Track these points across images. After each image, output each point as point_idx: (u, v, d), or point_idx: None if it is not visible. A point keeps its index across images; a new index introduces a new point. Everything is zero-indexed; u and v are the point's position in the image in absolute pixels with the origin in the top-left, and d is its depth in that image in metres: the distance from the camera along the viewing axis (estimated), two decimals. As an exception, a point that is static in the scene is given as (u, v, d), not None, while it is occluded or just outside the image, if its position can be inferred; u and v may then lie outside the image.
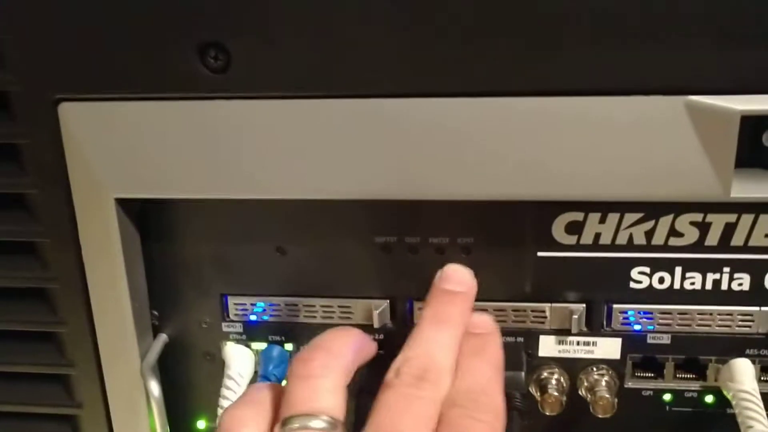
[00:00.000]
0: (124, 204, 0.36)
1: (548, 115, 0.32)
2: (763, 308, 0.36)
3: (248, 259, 0.38)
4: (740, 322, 0.36)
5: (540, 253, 0.36)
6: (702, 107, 0.30)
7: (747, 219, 0.34)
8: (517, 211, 0.35)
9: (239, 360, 0.39)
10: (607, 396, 0.37)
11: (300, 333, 0.39)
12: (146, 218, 0.38)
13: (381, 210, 0.36)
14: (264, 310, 0.39)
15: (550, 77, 0.31)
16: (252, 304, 0.39)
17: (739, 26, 0.30)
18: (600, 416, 0.37)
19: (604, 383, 0.37)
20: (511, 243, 0.36)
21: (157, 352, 0.39)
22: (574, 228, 0.35)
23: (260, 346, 0.39)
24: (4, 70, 0.34)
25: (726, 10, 0.29)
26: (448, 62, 0.31)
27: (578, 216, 0.35)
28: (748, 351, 0.37)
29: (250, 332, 0.40)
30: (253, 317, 0.39)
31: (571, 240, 0.35)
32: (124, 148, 0.34)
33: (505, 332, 0.37)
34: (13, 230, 0.37)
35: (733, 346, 0.37)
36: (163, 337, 0.40)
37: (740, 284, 0.36)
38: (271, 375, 0.38)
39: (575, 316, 0.36)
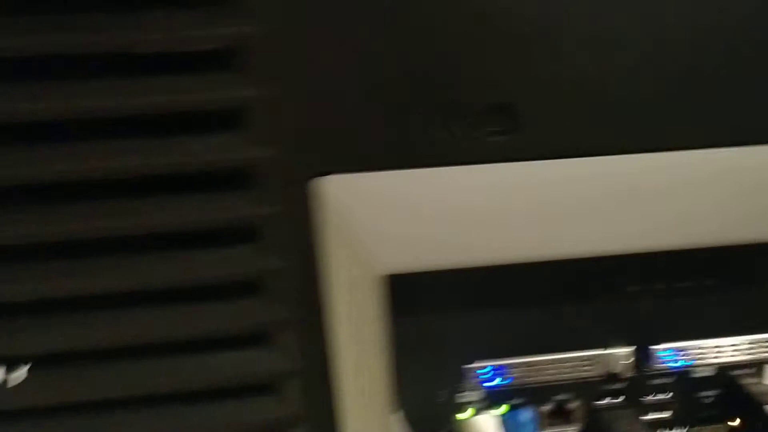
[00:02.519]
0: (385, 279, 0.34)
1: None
2: None
3: (489, 323, 0.37)
4: None
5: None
6: None
7: None
8: (757, 249, 0.37)
9: (492, 430, 0.37)
10: None
11: (541, 393, 0.38)
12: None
13: (627, 260, 0.36)
14: (505, 373, 0.38)
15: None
16: (494, 369, 0.38)
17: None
18: None
19: None
20: (755, 279, 0.37)
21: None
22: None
23: (499, 411, 0.38)
24: (264, 146, 0.31)
25: None
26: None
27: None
28: None
29: (491, 399, 0.38)
30: (494, 382, 0.38)
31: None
32: (395, 221, 0.33)
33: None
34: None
35: None
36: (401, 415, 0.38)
37: None
38: (527, 440, 0.37)
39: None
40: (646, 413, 0.39)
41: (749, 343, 0.38)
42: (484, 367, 0.37)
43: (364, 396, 0.35)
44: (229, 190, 0.32)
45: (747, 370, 0.39)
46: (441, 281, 0.35)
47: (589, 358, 0.38)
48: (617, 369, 0.38)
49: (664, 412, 0.39)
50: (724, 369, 0.39)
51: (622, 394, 0.38)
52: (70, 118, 0.30)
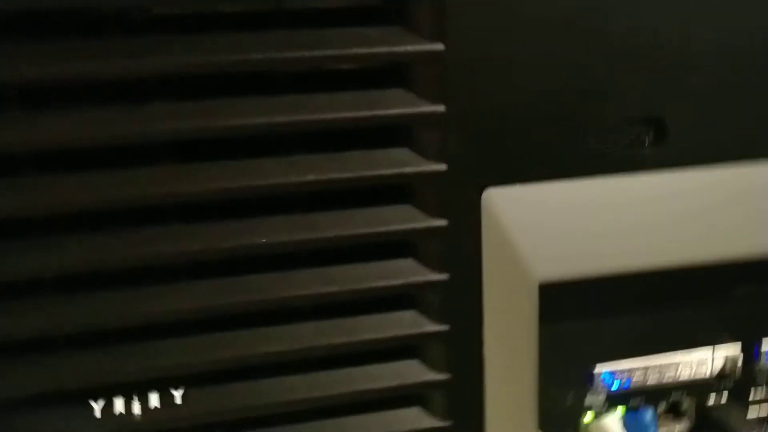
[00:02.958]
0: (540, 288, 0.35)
1: None
2: None
3: (610, 328, 0.39)
4: None
5: None
6: None
7: None
8: None
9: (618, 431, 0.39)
10: None
11: (656, 394, 0.40)
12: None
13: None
14: (625, 376, 0.40)
15: None
16: (615, 372, 0.39)
17: None
18: None
19: None
20: None
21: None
22: None
23: (618, 414, 0.40)
24: (436, 160, 0.33)
25: None
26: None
27: None
28: None
29: (611, 401, 0.40)
30: (615, 385, 0.39)
31: None
32: (554, 230, 0.34)
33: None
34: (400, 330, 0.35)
35: None
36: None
37: None
38: (655, 439, 0.39)
39: None
40: (749, 410, 0.41)
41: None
42: (607, 371, 0.39)
43: (510, 406, 0.37)
44: (394, 204, 0.33)
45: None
46: (573, 290, 0.37)
47: (700, 358, 0.40)
48: (727, 368, 0.40)
49: (765, 408, 0.42)
50: (819, 362, 0.42)
51: (730, 392, 0.41)
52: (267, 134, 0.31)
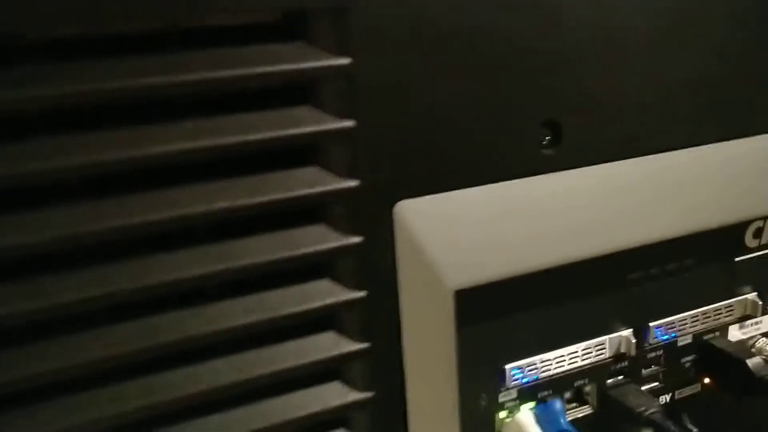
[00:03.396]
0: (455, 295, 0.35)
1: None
2: None
3: (518, 325, 0.39)
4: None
5: (737, 259, 0.44)
6: None
7: None
8: (722, 231, 0.43)
9: (532, 425, 0.40)
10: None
11: (562, 383, 0.42)
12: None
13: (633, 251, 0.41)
14: (537, 370, 0.40)
15: None
16: (524, 367, 0.40)
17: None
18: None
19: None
20: (720, 257, 0.44)
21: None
22: (758, 233, 0.44)
23: (528, 407, 0.41)
24: (346, 177, 0.32)
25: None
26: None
27: (760, 223, 0.44)
28: None
29: (522, 396, 0.41)
30: (525, 380, 0.40)
31: (755, 243, 0.45)
32: (465, 237, 0.34)
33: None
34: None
35: None
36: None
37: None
38: (566, 427, 0.40)
39: (759, 304, 0.45)
40: (642, 385, 0.44)
41: (715, 310, 0.45)
42: (516, 367, 0.40)
43: (434, 416, 0.36)
44: (306, 225, 0.32)
45: (715, 333, 0.45)
46: (485, 293, 0.38)
47: (599, 343, 0.42)
48: (622, 350, 0.42)
49: (655, 383, 0.44)
50: (698, 335, 0.45)
51: (626, 372, 0.43)
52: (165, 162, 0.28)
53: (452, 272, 0.34)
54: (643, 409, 0.41)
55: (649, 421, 0.41)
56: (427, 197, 0.33)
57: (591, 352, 0.42)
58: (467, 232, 0.34)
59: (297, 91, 0.31)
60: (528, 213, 0.36)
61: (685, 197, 0.40)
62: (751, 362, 0.43)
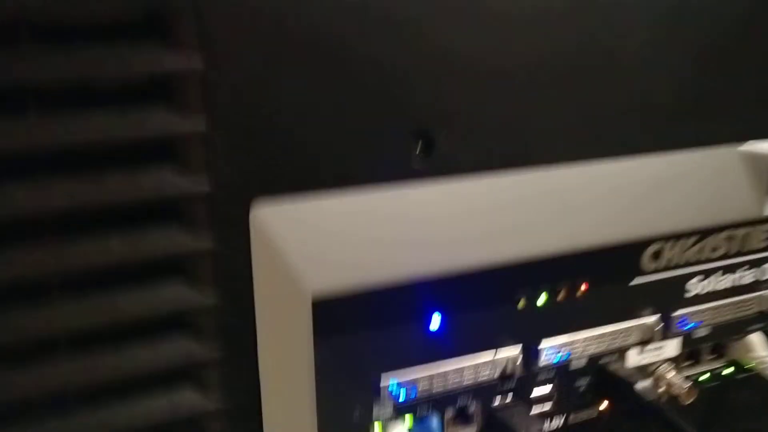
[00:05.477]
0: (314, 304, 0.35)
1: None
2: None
3: (392, 338, 0.39)
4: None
5: (634, 281, 0.44)
6: None
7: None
8: (617, 250, 0.42)
9: (407, 440, 0.39)
10: (688, 384, 0.45)
11: (444, 400, 0.41)
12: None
13: (523, 267, 0.40)
14: (411, 385, 0.40)
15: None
16: (401, 383, 0.39)
17: None
18: (686, 403, 0.45)
19: (680, 376, 0.46)
20: (615, 278, 0.43)
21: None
22: (657, 255, 0.44)
23: (406, 423, 0.40)
24: (199, 179, 0.31)
25: None
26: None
27: (659, 245, 0.44)
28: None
29: (398, 411, 0.40)
30: (401, 395, 0.40)
31: (653, 265, 0.44)
32: (326, 243, 0.34)
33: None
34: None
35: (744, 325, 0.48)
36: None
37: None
38: (441, 444, 0.39)
39: (657, 329, 0.45)
40: (532, 407, 0.43)
41: (611, 333, 0.44)
42: (393, 381, 0.39)
43: (290, 427, 0.36)
44: (158, 225, 0.32)
45: (612, 357, 0.44)
46: (349, 302, 0.37)
47: (484, 362, 0.41)
48: (509, 369, 0.41)
49: (546, 405, 0.43)
50: (594, 358, 0.44)
51: (513, 393, 0.42)
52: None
53: (310, 278, 0.34)
54: (524, 432, 0.40)
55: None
56: (287, 201, 0.33)
57: (476, 370, 0.41)
58: (328, 238, 0.34)
59: (156, 90, 0.31)
60: (397, 221, 0.35)
61: (574, 213, 0.39)
62: (639, 386, 0.43)
